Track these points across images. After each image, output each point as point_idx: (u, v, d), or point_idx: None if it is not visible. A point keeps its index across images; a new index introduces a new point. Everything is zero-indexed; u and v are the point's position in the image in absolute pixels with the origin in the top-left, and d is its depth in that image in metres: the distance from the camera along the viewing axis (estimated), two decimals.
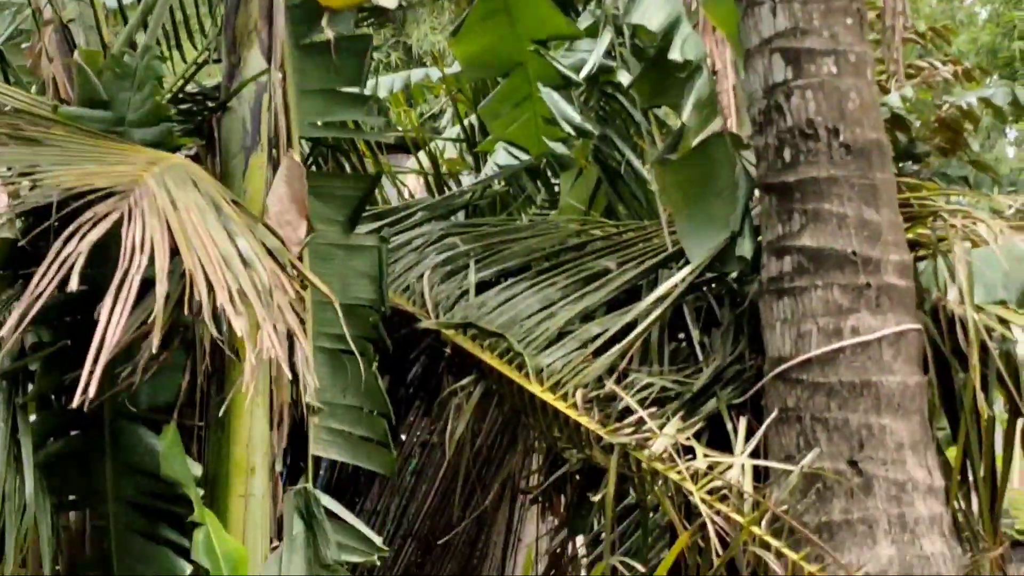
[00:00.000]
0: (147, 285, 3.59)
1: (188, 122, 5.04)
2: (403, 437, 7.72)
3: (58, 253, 3.46)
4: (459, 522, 8.05)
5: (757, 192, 4.97)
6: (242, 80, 4.79)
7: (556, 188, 7.33)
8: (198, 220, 3.68)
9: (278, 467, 4.75)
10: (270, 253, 4.26)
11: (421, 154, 7.86)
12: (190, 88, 5.21)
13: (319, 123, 5.25)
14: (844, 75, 4.66)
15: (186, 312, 3.50)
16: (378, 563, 4.81)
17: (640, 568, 3.91)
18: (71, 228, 3.45)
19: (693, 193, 5.15)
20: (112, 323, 3.34)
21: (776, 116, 4.72)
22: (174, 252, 3.57)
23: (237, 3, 4.84)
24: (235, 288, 3.51)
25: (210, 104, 5.03)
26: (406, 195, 8.02)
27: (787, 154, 4.69)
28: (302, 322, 4.14)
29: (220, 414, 4.60)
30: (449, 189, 7.31)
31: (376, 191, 7.37)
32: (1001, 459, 4.94)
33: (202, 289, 3.43)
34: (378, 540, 4.76)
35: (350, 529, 4.78)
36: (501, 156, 6.77)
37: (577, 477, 5.51)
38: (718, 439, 4.83)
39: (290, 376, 4.34)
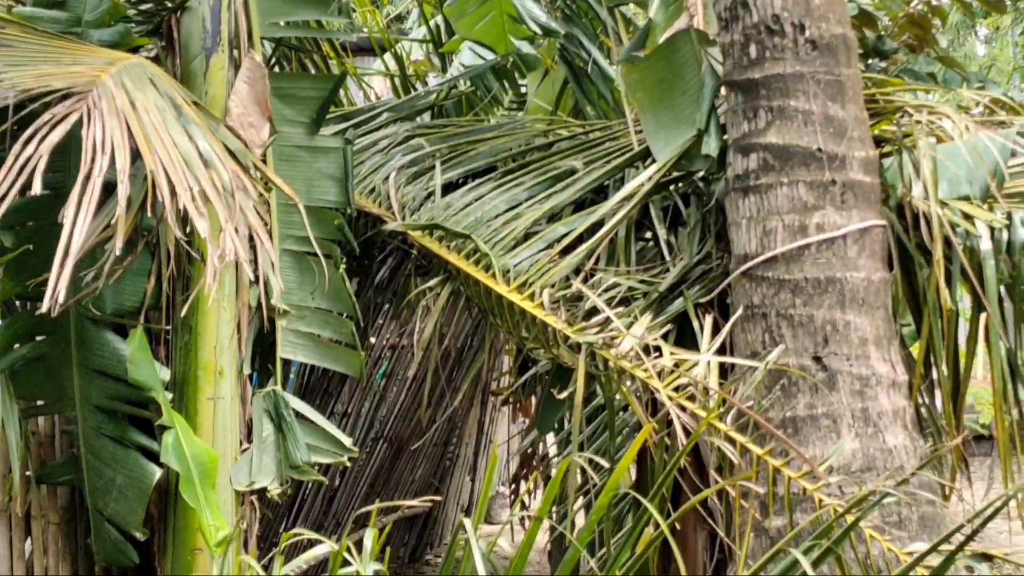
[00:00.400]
0: (110, 188, 3.56)
1: (147, 22, 4.95)
2: (372, 340, 7.75)
3: (18, 156, 3.41)
4: (430, 424, 8.13)
5: (723, 89, 4.94)
6: None
7: (523, 88, 7.28)
8: (158, 120, 3.63)
9: (246, 370, 4.75)
10: (232, 155, 4.22)
11: (387, 56, 7.79)
12: None
13: (281, 23, 5.17)
14: None
15: (149, 214, 3.46)
16: (348, 464, 4.83)
17: (604, 464, 3.93)
18: (30, 131, 3.39)
19: (659, 91, 5.11)
20: (76, 227, 3.31)
21: (742, 12, 4.68)
22: (135, 154, 3.53)
23: None
24: (197, 189, 3.47)
25: (169, 3, 4.94)
26: (372, 98, 7.96)
27: (753, 50, 4.66)
28: (266, 224, 4.10)
29: (187, 317, 4.60)
30: (415, 91, 7.25)
31: (342, 93, 7.32)
32: (964, 353, 4.99)
33: (164, 190, 3.39)
34: (348, 441, 4.77)
35: (320, 431, 4.80)
36: (467, 56, 6.71)
37: (546, 378, 5.53)
38: (685, 338, 4.85)
39: (253, 278, 4.32)
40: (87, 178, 3.31)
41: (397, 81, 7.65)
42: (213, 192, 3.50)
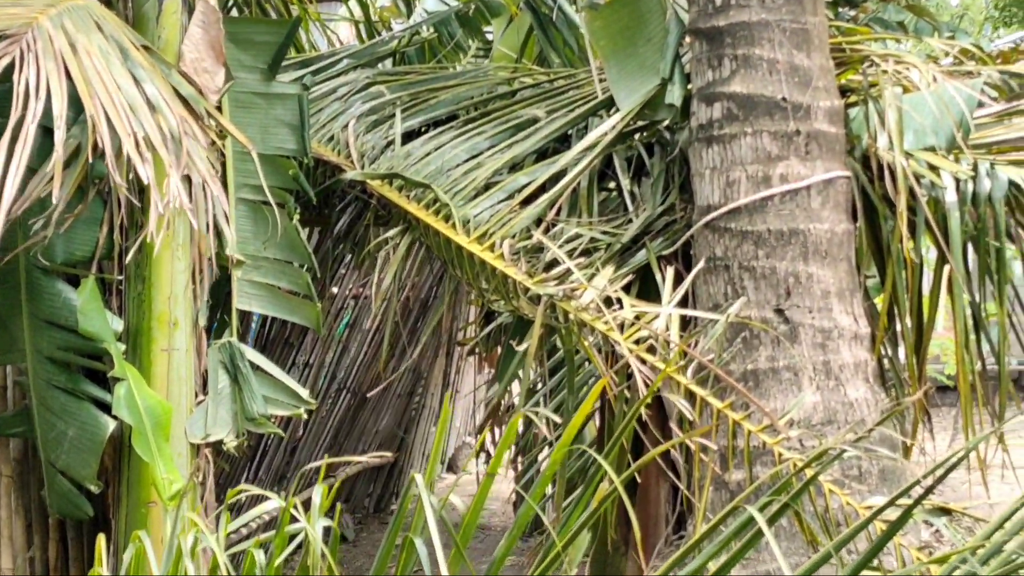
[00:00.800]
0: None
1: None
2: (335, 290, 7.67)
3: None
4: (395, 374, 8.07)
5: (688, 37, 4.85)
6: None
7: (490, 35, 7.16)
8: (101, 64, 3.52)
9: (202, 321, 4.66)
10: (184, 100, 4.12)
11: (353, 3, 7.65)
12: None
13: None
14: None
15: (90, 159, 3.35)
16: (305, 416, 4.76)
17: (556, 419, 3.88)
18: None
19: (623, 39, 5.02)
20: (10, 174, 3.20)
21: None
22: (78, 99, 3.42)
23: None
24: (141, 135, 3.37)
25: None
26: (336, 44, 7.83)
27: None
28: (218, 173, 4.00)
29: (140, 267, 4.51)
30: (380, 37, 7.12)
31: (304, 40, 7.19)
32: (928, 303, 4.96)
33: (105, 136, 3.29)
34: (305, 393, 4.70)
35: (277, 383, 4.72)
36: (430, 2, 6.58)
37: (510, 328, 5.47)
38: (648, 290, 4.80)
39: (206, 227, 4.22)
40: (19, 124, 3.19)
41: (362, 27, 7.52)
42: (159, 138, 3.40)
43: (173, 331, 4.57)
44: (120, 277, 4.58)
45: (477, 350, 8.15)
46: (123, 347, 4.48)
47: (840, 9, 7.18)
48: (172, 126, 3.53)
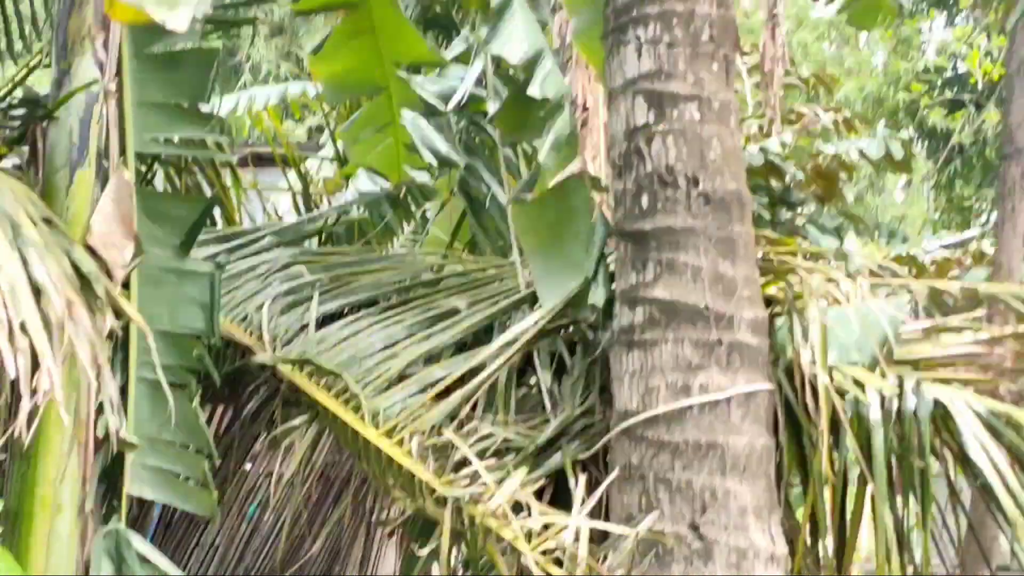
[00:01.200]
0: None
1: (15, 130, 4.71)
2: (249, 467, 7.40)
3: None
4: (308, 555, 7.75)
5: (614, 238, 4.78)
6: (71, 89, 4.47)
7: (426, 218, 7.10)
8: None
9: (88, 506, 4.42)
10: (84, 278, 3.96)
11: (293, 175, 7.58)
12: (19, 93, 4.87)
13: (160, 139, 4.94)
14: (707, 122, 4.49)
15: None
16: None
17: None
18: None
19: (549, 235, 4.95)
20: None
21: (636, 160, 4.53)
22: None
23: (71, 5, 4.53)
24: (17, 322, 3.20)
25: (39, 112, 4.70)
26: (272, 213, 7.74)
27: (645, 201, 4.51)
28: (108, 355, 3.82)
29: (25, 447, 4.28)
30: (318, 209, 7.04)
31: (240, 209, 7.09)
32: (851, 521, 4.80)
33: None
34: None
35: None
36: (363, 181, 6.52)
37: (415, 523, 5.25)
38: (564, 494, 4.61)
39: (67, 423, 4.01)
40: None
41: (299, 199, 7.43)
42: (38, 325, 3.22)
43: (56, 516, 4.34)
44: (3, 456, 4.35)
45: (398, 531, 7.88)
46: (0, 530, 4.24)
47: (777, 209, 7.22)
48: (57, 311, 3.36)
